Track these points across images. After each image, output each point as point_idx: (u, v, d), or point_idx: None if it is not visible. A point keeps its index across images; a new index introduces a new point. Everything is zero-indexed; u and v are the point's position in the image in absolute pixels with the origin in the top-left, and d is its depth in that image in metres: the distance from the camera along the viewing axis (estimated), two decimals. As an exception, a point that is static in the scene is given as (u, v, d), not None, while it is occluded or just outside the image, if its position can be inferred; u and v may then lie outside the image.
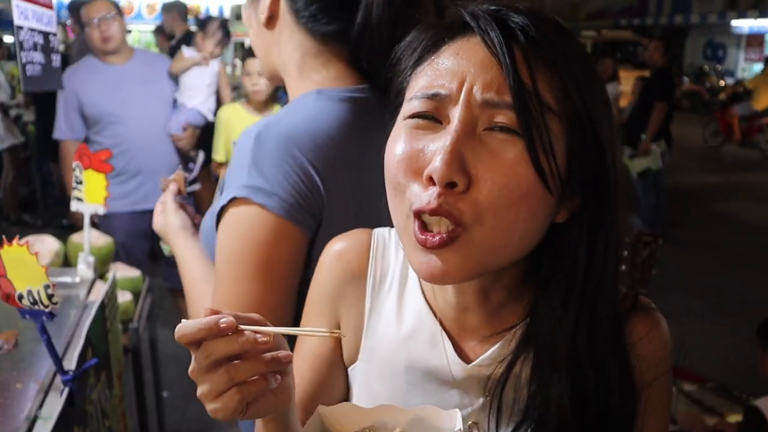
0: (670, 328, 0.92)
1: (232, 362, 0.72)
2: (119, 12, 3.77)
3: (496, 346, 0.88)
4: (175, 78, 4.14)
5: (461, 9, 0.81)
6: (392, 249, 0.99)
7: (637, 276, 2.73)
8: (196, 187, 3.97)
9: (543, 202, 0.76)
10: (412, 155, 0.77)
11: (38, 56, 2.60)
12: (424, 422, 0.82)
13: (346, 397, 1.02)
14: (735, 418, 3.04)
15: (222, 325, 0.71)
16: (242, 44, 8.75)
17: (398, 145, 0.79)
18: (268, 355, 0.73)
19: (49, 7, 2.60)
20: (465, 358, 0.90)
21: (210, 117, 4.38)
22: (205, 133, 4.45)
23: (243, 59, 4.36)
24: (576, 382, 0.83)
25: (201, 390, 0.74)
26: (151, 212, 3.69)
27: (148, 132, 3.87)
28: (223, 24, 4.64)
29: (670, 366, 0.91)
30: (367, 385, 0.97)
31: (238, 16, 8.74)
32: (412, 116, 0.79)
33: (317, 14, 1.26)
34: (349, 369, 1.00)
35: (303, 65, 1.30)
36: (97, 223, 3.35)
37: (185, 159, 4.17)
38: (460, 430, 0.79)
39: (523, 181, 0.73)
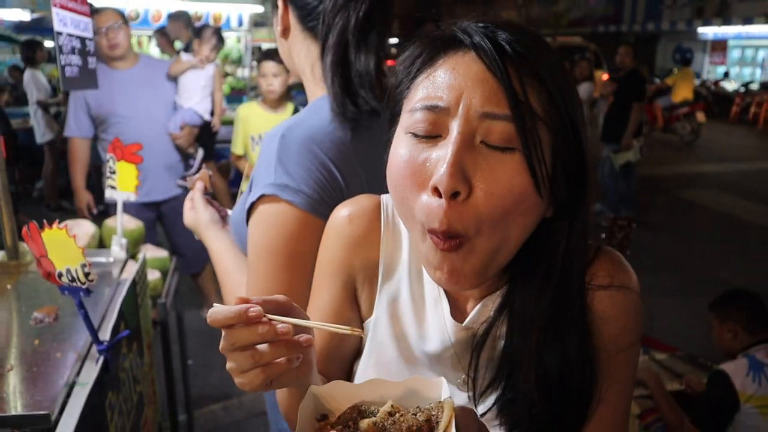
0: (643, 300, 0.89)
1: (256, 346, 0.73)
2: (125, 21, 3.73)
3: (478, 306, 0.88)
4: (174, 80, 4.11)
5: (454, 26, 0.80)
6: None
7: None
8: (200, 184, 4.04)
9: (535, 205, 0.76)
10: (416, 168, 0.76)
11: (76, 59, 2.59)
12: (413, 393, 0.82)
13: (359, 349, 1.00)
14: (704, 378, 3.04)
15: (250, 314, 0.72)
16: (259, 48, 8.69)
17: (401, 158, 0.78)
18: (290, 339, 0.74)
19: (87, 15, 2.59)
20: (459, 318, 0.90)
21: (206, 117, 4.37)
22: (203, 132, 4.48)
23: (259, 62, 4.30)
24: (542, 347, 0.82)
25: (229, 365, 0.75)
26: (153, 204, 3.71)
27: (149, 131, 3.81)
28: (217, 31, 4.65)
29: (636, 334, 0.87)
30: (379, 338, 0.95)
31: (256, 23, 8.69)
32: (414, 130, 0.77)
33: (318, 22, 1.24)
34: (365, 322, 0.98)
35: (314, 69, 1.29)
36: (104, 212, 3.36)
37: (185, 156, 4.16)
38: (448, 398, 0.79)
39: (519, 190, 0.73)
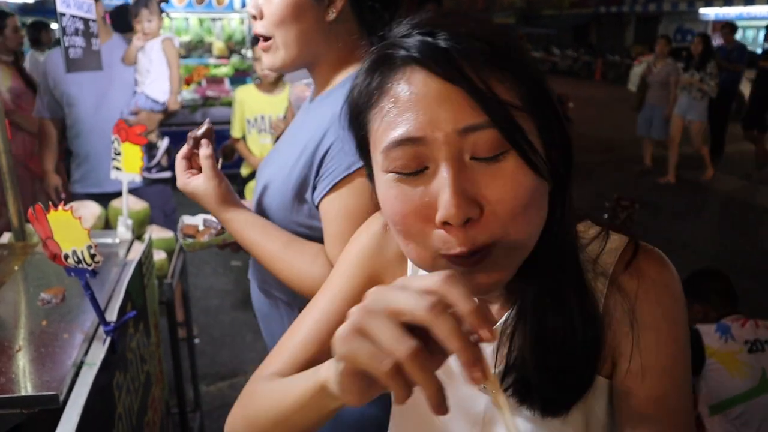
0: None
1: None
2: None
3: (511, 313, 0.82)
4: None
5: (392, 44, 0.72)
6: None
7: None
8: (165, 174, 3.79)
9: (544, 189, 0.72)
10: (415, 207, 0.69)
11: (79, 40, 2.56)
12: None
13: None
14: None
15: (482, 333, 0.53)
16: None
17: (395, 201, 0.71)
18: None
19: (89, -5, 2.55)
20: None
21: (161, 99, 3.75)
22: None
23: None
24: (541, 308, 0.78)
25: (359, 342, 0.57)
26: (104, 196, 3.04)
27: (104, 117, 3.46)
28: (153, 2, 3.91)
29: (673, 317, 0.80)
30: None
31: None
32: (397, 169, 0.70)
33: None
34: None
35: (349, 52, 1.33)
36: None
37: (147, 145, 3.62)
38: None
39: (527, 185, 0.69)
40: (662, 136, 8.49)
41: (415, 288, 0.55)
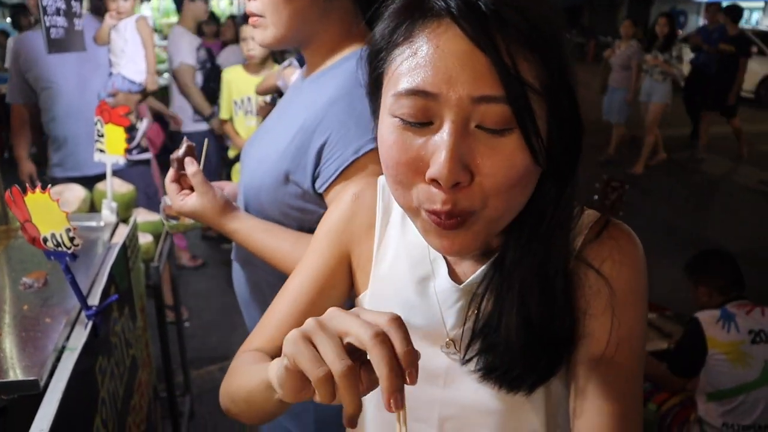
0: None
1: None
2: None
3: (481, 269, 0.85)
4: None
5: None
6: None
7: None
8: (146, 155, 3.74)
9: (535, 173, 0.73)
10: (411, 157, 0.71)
11: (61, 20, 2.51)
12: None
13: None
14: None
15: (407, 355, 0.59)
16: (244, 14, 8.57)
17: (394, 145, 0.72)
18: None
19: (69, -27, 2.49)
20: (457, 280, 0.88)
21: (138, 79, 3.69)
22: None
23: (240, 26, 4.07)
24: (526, 291, 0.79)
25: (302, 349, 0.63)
26: (84, 179, 3.05)
27: (79, 99, 3.42)
28: None
29: (640, 292, 0.83)
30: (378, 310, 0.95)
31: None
32: (402, 116, 0.71)
33: None
34: (358, 298, 0.99)
35: (347, 28, 1.31)
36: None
37: (127, 128, 3.61)
38: None
39: (521, 167, 0.70)
40: (621, 121, 8.18)
41: (367, 318, 0.62)
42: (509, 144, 0.69)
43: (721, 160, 8.48)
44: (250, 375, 0.87)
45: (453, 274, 0.89)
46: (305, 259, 1.01)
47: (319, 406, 1.36)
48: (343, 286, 1.00)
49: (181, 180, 1.38)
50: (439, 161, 0.68)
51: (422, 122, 0.70)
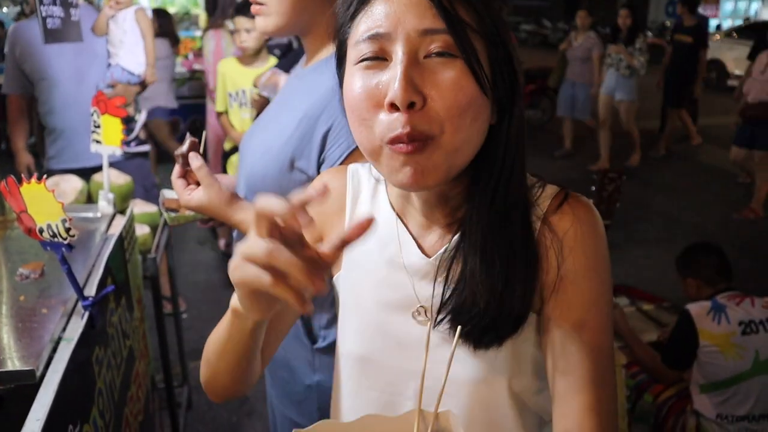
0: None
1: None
2: None
3: (455, 238, 0.89)
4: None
5: None
6: (364, 177, 1.03)
7: (603, 208, 2.71)
8: (144, 147, 3.72)
9: (483, 106, 0.81)
10: (370, 91, 0.80)
11: (57, 10, 2.49)
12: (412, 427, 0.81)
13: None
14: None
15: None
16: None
17: (355, 85, 0.81)
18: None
19: (67, -37, 2.48)
20: (426, 254, 0.92)
21: (137, 71, 3.65)
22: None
23: (232, 17, 4.01)
24: (486, 241, 0.85)
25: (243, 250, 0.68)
26: (81, 171, 3.01)
27: (77, 91, 3.37)
28: None
29: (604, 258, 0.88)
30: (352, 289, 1.01)
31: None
32: (361, 59, 0.81)
33: None
34: (333, 279, 1.04)
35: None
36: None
37: (125, 120, 3.38)
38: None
39: (468, 91, 0.78)
40: (586, 117, 7.96)
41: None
42: (454, 70, 0.78)
43: (717, 149, 8.47)
44: (217, 331, 0.93)
45: (421, 250, 0.93)
46: None
47: (321, 395, 1.37)
48: None
49: (187, 175, 1.37)
50: (394, 86, 0.76)
51: (377, 57, 0.79)
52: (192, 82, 7.03)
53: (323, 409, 1.39)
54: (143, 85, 3.74)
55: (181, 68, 7.17)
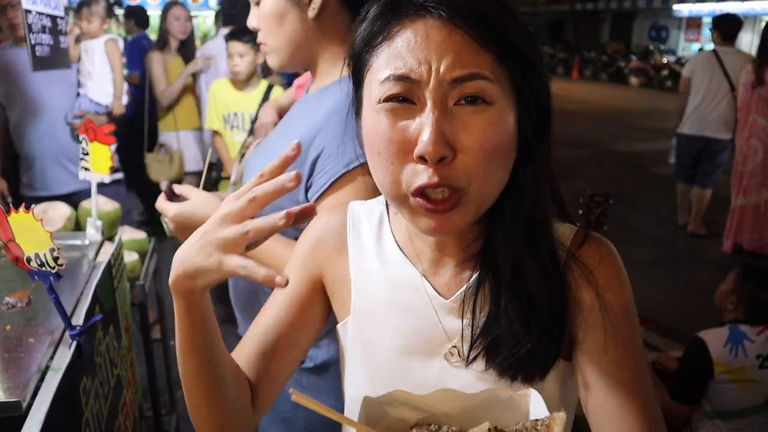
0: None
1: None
2: None
3: (471, 280, 0.88)
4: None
5: None
6: (364, 217, 1.00)
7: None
8: (118, 175, 3.75)
9: (511, 148, 0.80)
10: (398, 139, 0.77)
11: (47, 38, 2.51)
12: (492, 406, 0.81)
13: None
14: (676, 353, 3.04)
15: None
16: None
17: (380, 127, 0.79)
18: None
19: (56, -8, 2.49)
20: (443, 294, 0.90)
21: (105, 102, 3.75)
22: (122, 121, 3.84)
23: (227, 42, 4.05)
24: (521, 299, 0.84)
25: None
26: (54, 199, 2.93)
27: (47, 119, 3.44)
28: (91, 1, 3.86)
29: (628, 293, 0.89)
30: (360, 336, 0.95)
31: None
32: (388, 99, 0.78)
33: None
34: (339, 325, 0.99)
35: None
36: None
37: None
38: (560, 412, 0.73)
39: (495, 139, 0.77)
40: None
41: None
42: (483, 117, 0.76)
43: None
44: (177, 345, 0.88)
45: (437, 289, 0.90)
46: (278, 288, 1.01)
47: (308, 414, 1.35)
48: (319, 308, 1.00)
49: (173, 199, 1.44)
50: (424, 139, 0.74)
51: (406, 98, 0.77)
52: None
53: (310, 428, 1.38)
54: (110, 116, 3.76)
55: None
